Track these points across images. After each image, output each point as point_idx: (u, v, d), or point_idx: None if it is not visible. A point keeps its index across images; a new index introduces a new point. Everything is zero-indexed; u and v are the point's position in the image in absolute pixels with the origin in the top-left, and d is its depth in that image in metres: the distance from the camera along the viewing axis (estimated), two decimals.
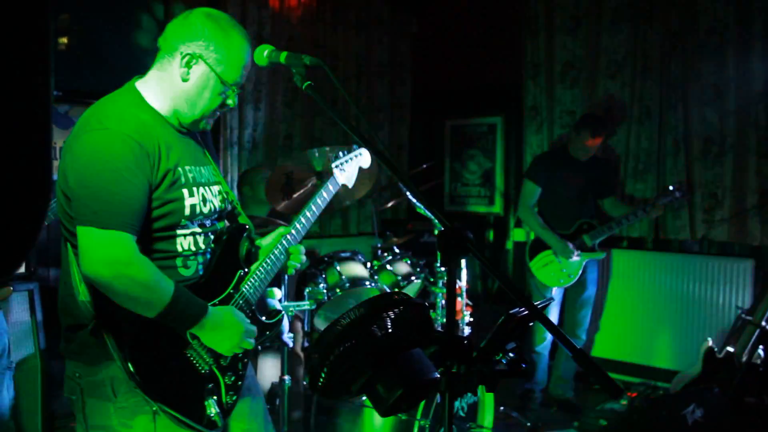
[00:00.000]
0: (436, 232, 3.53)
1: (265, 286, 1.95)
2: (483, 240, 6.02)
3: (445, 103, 6.37)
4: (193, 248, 1.81)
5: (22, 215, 0.64)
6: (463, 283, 3.26)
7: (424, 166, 4.99)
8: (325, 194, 2.18)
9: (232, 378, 1.86)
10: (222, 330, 1.77)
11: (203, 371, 1.79)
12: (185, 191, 1.76)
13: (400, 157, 6.34)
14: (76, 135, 1.64)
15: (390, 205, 4.79)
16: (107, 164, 1.59)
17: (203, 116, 1.83)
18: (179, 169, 1.75)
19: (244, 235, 1.93)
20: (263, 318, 2.00)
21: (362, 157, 2.46)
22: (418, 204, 3.15)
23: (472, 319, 3.34)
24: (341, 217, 5.88)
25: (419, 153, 6.51)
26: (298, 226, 2.06)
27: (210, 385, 1.80)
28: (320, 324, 3.85)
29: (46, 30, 0.63)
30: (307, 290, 3.54)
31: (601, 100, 5.23)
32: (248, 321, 1.86)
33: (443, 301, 3.49)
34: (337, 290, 3.74)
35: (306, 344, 3.72)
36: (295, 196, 3.07)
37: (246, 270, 1.93)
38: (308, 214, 2.10)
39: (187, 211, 1.76)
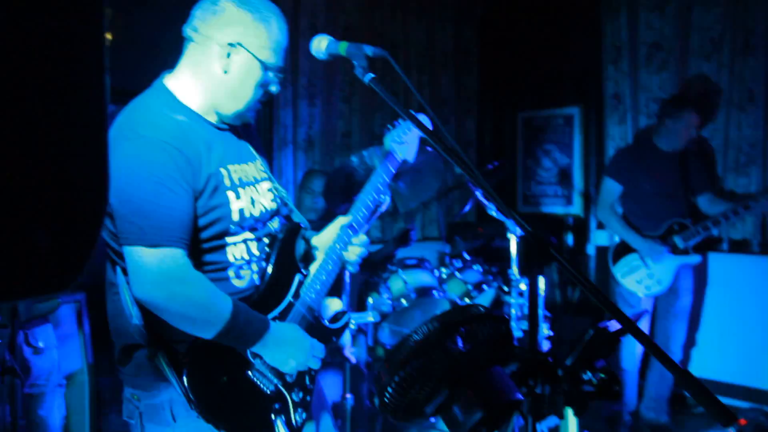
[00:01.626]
0: (510, 236, 3.57)
1: (327, 289, 1.95)
2: (561, 244, 5.98)
3: (516, 93, 6.32)
4: (245, 256, 1.81)
5: (81, 221, 0.66)
6: (540, 291, 3.16)
7: (495, 163, 4.80)
8: (384, 175, 2.11)
9: (300, 394, 1.87)
10: (286, 347, 1.78)
11: (268, 391, 1.80)
12: (231, 194, 1.76)
13: (467, 154, 6.24)
14: (110, 147, 1.62)
15: (467, 210, 4.75)
16: (147, 176, 1.59)
17: (248, 108, 1.82)
18: (222, 170, 1.74)
19: (300, 234, 1.93)
20: (329, 322, 2.00)
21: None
22: (489, 205, 3.20)
23: (551, 333, 3.33)
24: (404, 221, 5.85)
25: (488, 149, 6.45)
26: (358, 215, 2.02)
27: (277, 405, 1.81)
28: (385, 338, 3.90)
29: (100, 24, 0.66)
30: (369, 301, 3.68)
31: (695, 84, 5.05)
32: (313, 338, 1.86)
33: (519, 312, 3.54)
34: (403, 301, 3.81)
35: (369, 359, 3.75)
36: (355, 198, 3.04)
37: (305, 273, 1.93)
38: (368, 201, 2.06)
39: (235, 216, 1.76)
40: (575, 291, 5.77)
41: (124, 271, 1.67)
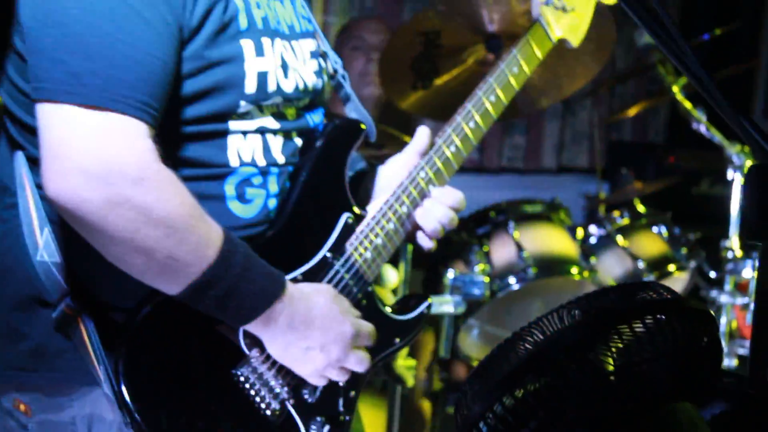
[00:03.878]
0: (732, 174, 3.46)
1: (390, 252, 1.85)
2: None
3: None
4: (260, 161, 1.68)
5: None
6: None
7: (705, 36, 4.14)
8: (515, 67, 2.00)
9: (325, 430, 1.77)
10: (310, 331, 1.65)
11: (268, 411, 1.68)
12: (247, 45, 1.63)
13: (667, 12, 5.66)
14: None
15: (634, 111, 4.40)
16: None
17: None
18: (237, 1, 1.64)
19: (358, 139, 1.83)
20: (389, 310, 1.89)
21: None
22: (698, 114, 3.21)
23: None
24: (527, 132, 5.23)
25: (700, 16, 5.58)
26: (456, 138, 1.89)
27: None
28: (473, 343, 3.55)
29: None
30: (448, 277, 3.16)
31: None
32: (360, 315, 1.76)
33: (731, 316, 3.56)
34: (511, 280, 3.39)
35: (442, 384, 3.55)
36: (439, 83, 2.90)
37: (359, 213, 1.83)
38: (479, 112, 1.92)
39: (251, 85, 1.63)
40: None
41: (33, 161, 1.56)
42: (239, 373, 1.67)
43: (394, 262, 3.04)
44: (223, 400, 1.68)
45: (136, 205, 1.49)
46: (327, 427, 1.78)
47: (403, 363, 2.99)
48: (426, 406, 3.45)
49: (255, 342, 1.66)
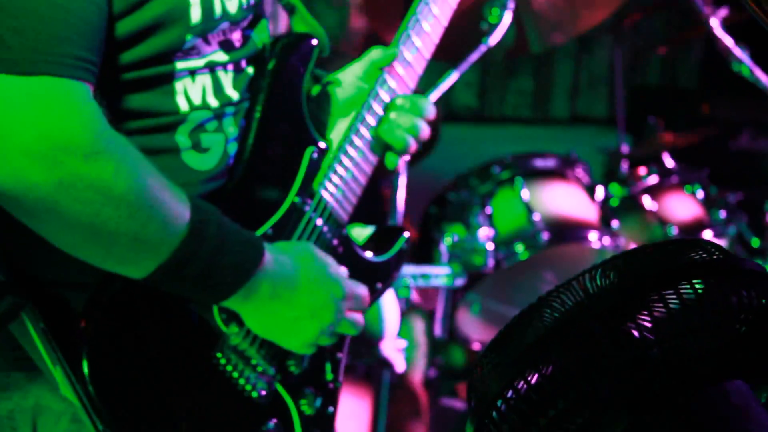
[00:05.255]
0: None
1: (362, 186, 1.86)
2: None
3: None
4: (212, 101, 1.67)
5: None
6: None
7: None
8: None
9: (317, 402, 1.79)
10: (296, 296, 1.65)
11: (255, 395, 1.68)
12: None
13: None
14: None
15: (663, 50, 4.82)
16: None
17: None
18: None
19: (311, 61, 1.81)
20: (368, 254, 1.91)
21: None
22: (739, 51, 3.20)
23: None
24: (535, 75, 5.28)
25: None
26: (407, 52, 1.89)
27: (271, 424, 1.71)
28: (473, 322, 3.52)
29: None
30: (445, 243, 3.31)
31: None
32: (345, 270, 1.76)
33: None
34: (518, 248, 3.34)
35: (435, 369, 3.51)
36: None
37: (323, 146, 1.82)
38: (435, 3, 1.94)
39: (196, 14, 1.61)
40: None
41: None
42: (219, 355, 1.65)
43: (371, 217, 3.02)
44: (205, 389, 1.66)
45: (93, 183, 1.45)
46: (319, 400, 1.78)
47: (392, 344, 2.90)
48: (418, 395, 3.35)
49: (232, 317, 1.65)
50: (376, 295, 1.90)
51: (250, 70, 1.77)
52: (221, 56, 1.69)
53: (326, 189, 1.82)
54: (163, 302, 1.61)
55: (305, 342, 1.68)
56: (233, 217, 1.63)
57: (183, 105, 1.64)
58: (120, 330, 1.58)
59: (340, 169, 1.84)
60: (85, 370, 1.51)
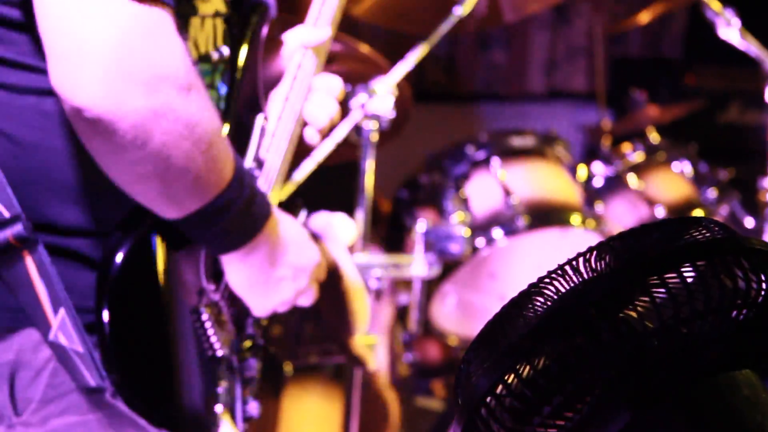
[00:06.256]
0: None
1: (289, 159, 1.96)
2: None
3: None
4: (212, 53, 1.79)
5: None
6: None
7: None
8: None
9: (252, 366, 1.86)
10: (285, 255, 1.74)
11: (216, 352, 1.75)
12: None
13: None
14: None
15: (645, 18, 4.31)
16: None
17: None
18: None
19: (263, 25, 1.87)
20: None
21: None
22: (725, 16, 3.13)
23: None
24: (509, 47, 5.25)
25: None
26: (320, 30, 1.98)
27: (220, 389, 1.77)
28: (449, 315, 3.55)
29: None
30: (417, 230, 3.16)
31: None
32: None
33: None
34: (496, 233, 3.38)
35: (408, 367, 3.60)
36: None
37: (266, 116, 1.90)
38: None
39: None
40: None
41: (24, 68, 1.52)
42: (200, 311, 1.72)
43: (348, 211, 2.88)
44: (187, 347, 1.73)
45: (181, 116, 1.52)
46: (253, 364, 1.85)
47: (362, 340, 2.86)
48: (390, 394, 3.33)
49: (210, 272, 1.71)
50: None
51: (220, 24, 1.80)
52: (221, 6, 1.76)
53: (269, 158, 1.88)
54: (169, 254, 1.68)
55: (278, 302, 1.73)
56: None
57: (192, 52, 1.70)
58: (135, 280, 1.63)
59: (278, 140, 1.90)
60: (105, 316, 1.56)
